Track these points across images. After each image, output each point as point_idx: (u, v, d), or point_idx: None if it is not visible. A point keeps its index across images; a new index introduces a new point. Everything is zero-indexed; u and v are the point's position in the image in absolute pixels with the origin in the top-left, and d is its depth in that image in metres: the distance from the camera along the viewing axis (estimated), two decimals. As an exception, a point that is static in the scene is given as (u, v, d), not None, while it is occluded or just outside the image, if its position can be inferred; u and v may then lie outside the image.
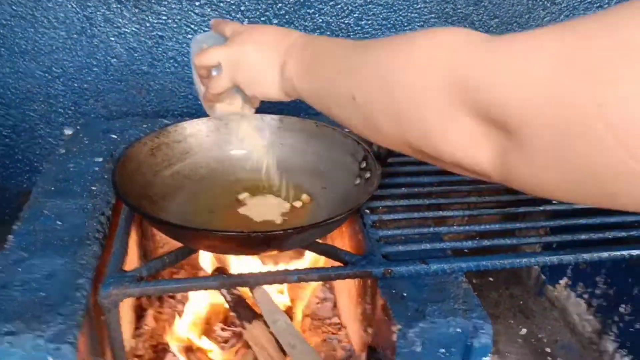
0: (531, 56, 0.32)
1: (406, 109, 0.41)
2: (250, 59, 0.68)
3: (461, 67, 0.36)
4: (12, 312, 0.62)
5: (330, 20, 1.17)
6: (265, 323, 0.87)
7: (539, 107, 0.30)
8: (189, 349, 0.91)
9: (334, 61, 0.52)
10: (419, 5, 1.18)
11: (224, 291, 0.90)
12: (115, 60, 1.15)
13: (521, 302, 1.14)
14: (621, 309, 0.92)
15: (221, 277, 0.68)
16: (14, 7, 1.07)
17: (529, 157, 0.32)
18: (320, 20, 1.16)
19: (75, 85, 1.16)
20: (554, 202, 0.88)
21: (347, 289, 0.95)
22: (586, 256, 0.75)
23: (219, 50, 0.71)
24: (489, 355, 0.70)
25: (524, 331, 1.08)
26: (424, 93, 0.39)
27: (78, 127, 1.05)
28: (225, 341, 0.93)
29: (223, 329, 0.94)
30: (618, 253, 0.75)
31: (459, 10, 1.20)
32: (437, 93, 0.38)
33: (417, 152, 0.43)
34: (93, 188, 0.85)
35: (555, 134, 0.30)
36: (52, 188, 0.84)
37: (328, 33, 1.18)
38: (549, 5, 1.22)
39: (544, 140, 0.31)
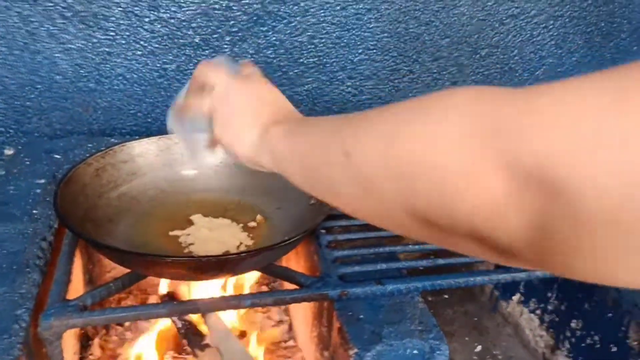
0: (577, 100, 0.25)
1: (416, 162, 0.32)
2: (239, 101, 0.56)
3: (492, 112, 0.29)
4: (-59, 349, 0.57)
5: (284, 38, 1.16)
6: (218, 350, 0.84)
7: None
8: (138, 379, 0.87)
9: (328, 121, 0.44)
10: (372, 25, 1.19)
11: (175, 318, 0.87)
12: (60, 77, 1.10)
13: (475, 319, 1.15)
14: (573, 324, 0.93)
15: (170, 304, 0.66)
16: (-50, 21, 1.02)
17: (583, 225, 0.23)
18: (274, 38, 1.16)
19: (17, 103, 1.11)
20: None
21: (302, 311, 0.93)
22: (539, 273, 0.76)
23: (223, 71, 0.58)
24: (446, 375, 0.69)
25: (479, 348, 1.08)
26: (442, 143, 0.31)
27: (19, 147, 1.00)
28: (177, 369, 0.89)
29: (174, 358, 0.90)
30: (569, 269, 0.76)
31: (411, 30, 1.21)
32: (459, 142, 0.29)
33: (418, 222, 0.34)
34: (34, 211, 0.80)
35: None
36: (-10, 212, 0.80)
37: (282, 51, 1.17)
38: (497, 25, 1.26)
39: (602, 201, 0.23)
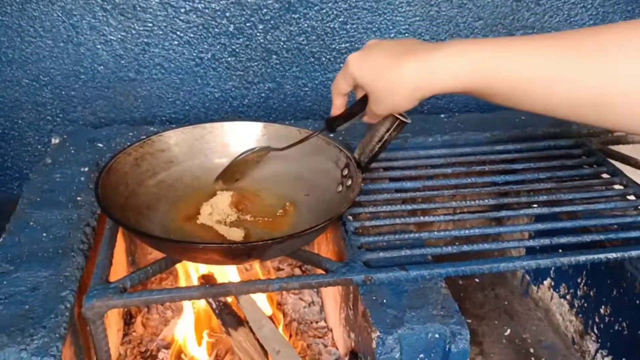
0: None
1: (620, 94, 0.47)
2: (378, 52, 0.64)
3: None
4: (-4, 326, 0.63)
5: (316, 24, 1.17)
6: (250, 329, 0.88)
7: None
8: (177, 355, 0.92)
9: (521, 44, 0.54)
10: (404, 9, 1.19)
11: (210, 299, 0.91)
12: (102, 67, 1.15)
13: (506, 303, 1.15)
14: (601, 310, 0.93)
15: (203, 288, 0.69)
16: (0, 17, 1.08)
17: None
18: (306, 24, 1.17)
19: (63, 93, 1.17)
20: (534, 206, 0.89)
21: (332, 294, 0.96)
22: (564, 260, 0.77)
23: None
24: (468, 359, 0.71)
25: (508, 332, 1.09)
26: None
27: (65, 136, 1.05)
28: (212, 347, 0.94)
29: (210, 335, 0.95)
30: (595, 256, 0.76)
31: (443, 13, 1.21)
32: None
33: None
34: (79, 198, 0.86)
35: None
36: (38, 199, 0.85)
37: (314, 37, 1.19)
38: (532, 6, 1.23)
39: None
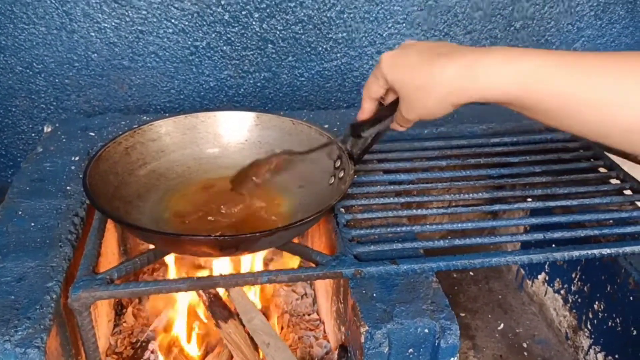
0: None
1: None
2: (413, 52, 0.60)
3: None
4: (-20, 317, 0.62)
5: (312, 13, 1.16)
6: (240, 321, 0.87)
7: None
8: (168, 347, 0.92)
9: (562, 60, 0.51)
10: (402, -2, 1.18)
11: (200, 291, 0.91)
12: (95, 55, 1.14)
13: (500, 297, 1.15)
14: (595, 306, 0.92)
15: (191, 280, 0.69)
16: (-9, 3, 1.07)
17: None
18: (302, 13, 1.16)
19: (57, 80, 1.16)
20: (529, 200, 0.88)
21: (324, 287, 0.96)
22: (557, 255, 0.76)
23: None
24: (457, 355, 0.70)
25: (501, 326, 1.09)
26: None
27: (57, 125, 1.04)
28: (202, 339, 0.94)
29: (200, 327, 0.94)
30: (589, 252, 0.75)
31: (442, 3, 1.19)
32: None
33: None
34: (68, 188, 0.85)
35: None
36: (27, 188, 0.85)
37: (310, 26, 1.17)
38: (533, -3, 1.22)
39: None
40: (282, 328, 0.97)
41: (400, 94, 0.63)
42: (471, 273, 1.20)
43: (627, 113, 0.47)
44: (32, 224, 0.77)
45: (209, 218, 0.78)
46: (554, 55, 0.51)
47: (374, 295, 0.72)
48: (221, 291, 0.93)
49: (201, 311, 0.95)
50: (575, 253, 0.75)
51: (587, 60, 0.49)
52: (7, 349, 0.60)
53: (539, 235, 0.77)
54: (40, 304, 0.64)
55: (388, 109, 0.69)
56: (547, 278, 1.07)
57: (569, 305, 1.01)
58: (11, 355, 0.60)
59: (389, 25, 1.20)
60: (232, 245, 0.68)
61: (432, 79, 0.57)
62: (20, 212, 0.79)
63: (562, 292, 1.02)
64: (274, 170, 0.80)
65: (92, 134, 1.01)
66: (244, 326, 0.86)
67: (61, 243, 0.74)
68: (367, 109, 0.71)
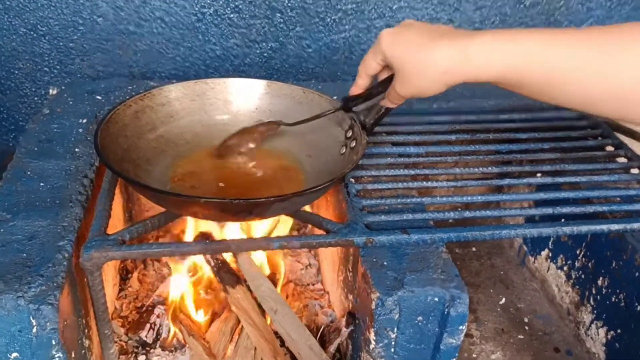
0: None
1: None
2: (413, 31, 0.63)
3: None
4: (-7, 273, 0.62)
5: (320, -15, 1.14)
6: (248, 288, 0.88)
7: None
8: (174, 312, 0.92)
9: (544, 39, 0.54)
10: (413, -29, 1.16)
11: (208, 256, 0.91)
12: (101, 19, 1.12)
13: (502, 273, 1.16)
14: (599, 282, 0.93)
15: (203, 243, 0.69)
16: (-4, -39, 1.04)
17: None
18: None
19: (61, 44, 1.14)
20: (538, 175, 0.88)
21: (330, 256, 0.96)
22: (566, 229, 0.76)
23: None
24: (465, 324, 0.71)
25: (503, 300, 1.10)
26: None
27: (63, 87, 1.03)
28: (209, 305, 0.94)
29: (207, 293, 0.95)
30: (597, 227, 0.76)
31: (453, -23, 1.18)
32: None
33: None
34: (76, 150, 0.84)
35: None
36: (36, 149, 0.84)
37: (312, 6, 1.16)
38: (544, -26, 1.21)
39: None
40: (287, 297, 0.98)
41: (396, 70, 0.65)
42: (473, 249, 1.20)
43: (611, 83, 0.51)
44: (42, 184, 0.76)
45: (220, 184, 0.78)
46: (541, 34, 0.55)
47: (385, 263, 0.72)
48: (228, 259, 0.93)
49: (207, 278, 0.95)
50: (584, 228, 0.76)
51: (575, 36, 0.53)
52: (20, 305, 0.60)
53: (547, 210, 0.78)
54: (52, 262, 0.64)
55: (380, 85, 0.71)
56: (550, 254, 1.08)
57: (571, 281, 1.02)
58: (25, 312, 0.60)
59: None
60: (246, 209, 0.67)
61: (429, 58, 0.60)
62: (29, 172, 0.78)
63: (565, 268, 1.03)
64: (264, 138, 0.82)
65: (98, 97, 0.99)
66: (251, 292, 0.87)
67: (72, 203, 0.73)
68: (360, 85, 0.73)
